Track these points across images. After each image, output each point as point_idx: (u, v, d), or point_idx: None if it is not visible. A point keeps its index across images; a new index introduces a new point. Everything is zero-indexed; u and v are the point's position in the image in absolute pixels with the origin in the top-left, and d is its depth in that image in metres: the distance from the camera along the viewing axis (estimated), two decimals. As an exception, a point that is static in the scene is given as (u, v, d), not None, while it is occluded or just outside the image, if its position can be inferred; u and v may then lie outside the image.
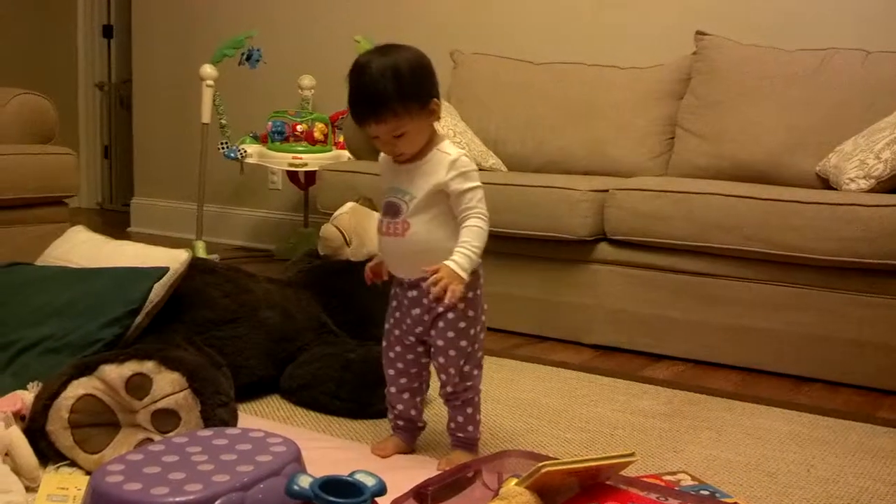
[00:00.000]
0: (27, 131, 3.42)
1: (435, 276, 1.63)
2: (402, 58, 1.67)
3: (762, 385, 2.59)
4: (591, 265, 2.97)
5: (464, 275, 1.64)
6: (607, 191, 2.95)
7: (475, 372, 1.78)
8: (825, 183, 2.96)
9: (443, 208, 1.70)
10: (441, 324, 1.74)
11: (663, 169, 3.40)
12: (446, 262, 1.64)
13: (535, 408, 2.26)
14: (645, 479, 1.61)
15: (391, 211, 1.72)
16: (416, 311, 1.75)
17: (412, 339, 1.79)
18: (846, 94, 3.10)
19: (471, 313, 1.74)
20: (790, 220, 2.60)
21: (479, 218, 1.68)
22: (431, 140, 1.72)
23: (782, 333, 2.67)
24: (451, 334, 1.73)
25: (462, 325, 1.73)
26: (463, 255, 1.65)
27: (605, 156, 3.48)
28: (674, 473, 1.77)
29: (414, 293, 1.75)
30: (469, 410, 1.79)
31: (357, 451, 1.87)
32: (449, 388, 1.77)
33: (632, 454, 1.44)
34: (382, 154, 1.79)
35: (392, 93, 1.63)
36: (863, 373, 2.57)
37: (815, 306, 2.62)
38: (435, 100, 1.70)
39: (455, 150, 1.72)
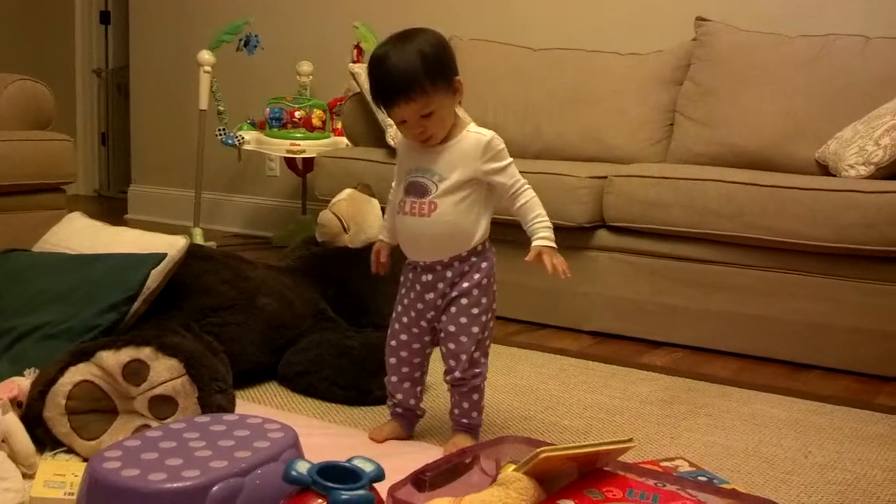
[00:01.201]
0: (24, 118, 3.40)
1: (546, 263, 1.69)
2: (424, 39, 1.68)
3: (760, 372, 2.59)
4: (590, 252, 2.97)
5: (555, 245, 1.71)
6: (606, 177, 2.94)
7: (483, 359, 1.78)
8: (824, 170, 2.95)
9: (471, 191, 1.71)
10: (453, 309, 1.74)
11: (662, 156, 3.39)
12: (540, 244, 1.71)
13: (534, 394, 2.26)
14: (643, 465, 1.61)
15: (417, 191, 1.72)
16: (430, 295, 1.75)
17: (423, 324, 1.79)
18: (846, 81, 3.09)
19: (484, 300, 1.75)
20: (789, 206, 2.60)
21: (530, 189, 1.74)
22: (456, 122, 1.73)
23: (781, 320, 2.66)
24: (463, 320, 1.73)
25: (475, 311, 1.74)
26: (546, 227, 1.74)
27: (604, 142, 3.47)
28: (671, 459, 1.77)
29: (429, 277, 1.75)
30: (475, 397, 1.79)
31: (355, 438, 1.87)
32: (458, 374, 1.76)
33: (630, 440, 1.44)
34: (401, 136, 1.78)
35: (420, 71, 1.64)
36: (861, 360, 2.57)
37: (814, 293, 2.61)
38: (458, 78, 1.71)
39: (487, 130, 1.74)
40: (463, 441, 1.78)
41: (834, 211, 2.53)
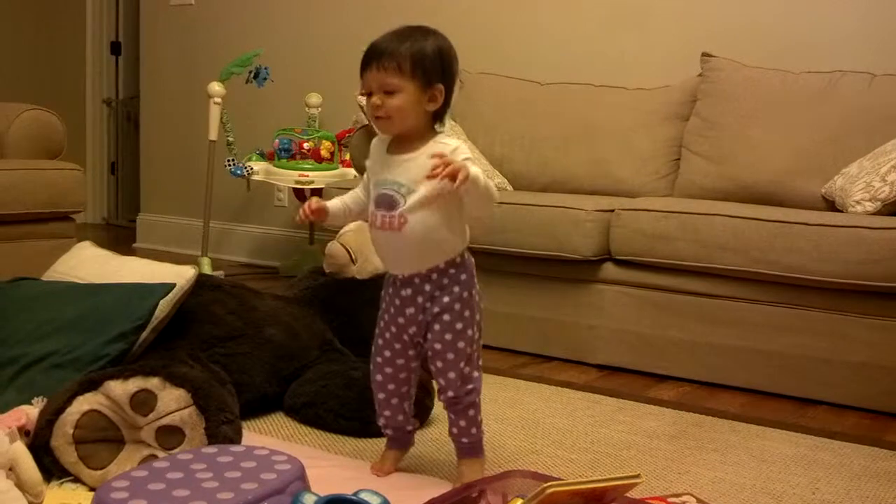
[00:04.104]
0: (35, 147, 3.43)
1: (444, 158, 1.59)
2: (431, 37, 1.69)
3: (767, 407, 2.58)
4: (597, 285, 2.97)
5: (472, 172, 1.60)
6: (613, 211, 2.95)
7: (475, 374, 1.76)
8: (831, 205, 2.96)
9: (441, 202, 1.68)
10: (437, 326, 1.72)
11: (668, 190, 3.41)
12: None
13: (540, 428, 2.25)
14: (650, 501, 1.61)
15: (385, 203, 1.70)
16: (411, 310, 1.74)
17: (406, 339, 1.77)
18: (852, 117, 3.10)
19: (467, 314, 1.73)
20: (796, 241, 2.60)
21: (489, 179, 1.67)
22: (426, 134, 1.71)
23: (788, 355, 2.66)
24: (448, 336, 1.72)
25: (459, 325, 1.72)
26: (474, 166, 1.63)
27: (610, 176, 3.48)
28: (679, 495, 1.76)
29: (408, 291, 1.74)
30: (472, 413, 1.77)
31: (361, 470, 1.86)
32: (451, 393, 1.75)
33: (637, 475, 1.43)
34: (375, 141, 1.78)
35: (405, 53, 1.65)
36: (869, 396, 2.56)
37: (821, 328, 2.61)
38: (439, 85, 1.68)
39: (454, 140, 1.72)
40: (470, 467, 1.77)
41: (840, 246, 2.53)
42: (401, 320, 1.76)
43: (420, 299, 1.73)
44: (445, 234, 1.71)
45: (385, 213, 1.70)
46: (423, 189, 1.67)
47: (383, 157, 1.74)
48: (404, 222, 1.68)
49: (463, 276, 1.74)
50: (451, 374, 1.74)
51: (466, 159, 1.65)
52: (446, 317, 1.72)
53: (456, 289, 1.72)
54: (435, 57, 1.68)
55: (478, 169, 1.64)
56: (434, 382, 1.82)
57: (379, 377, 1.82)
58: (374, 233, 1.75)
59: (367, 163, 1.79)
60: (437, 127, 1.74)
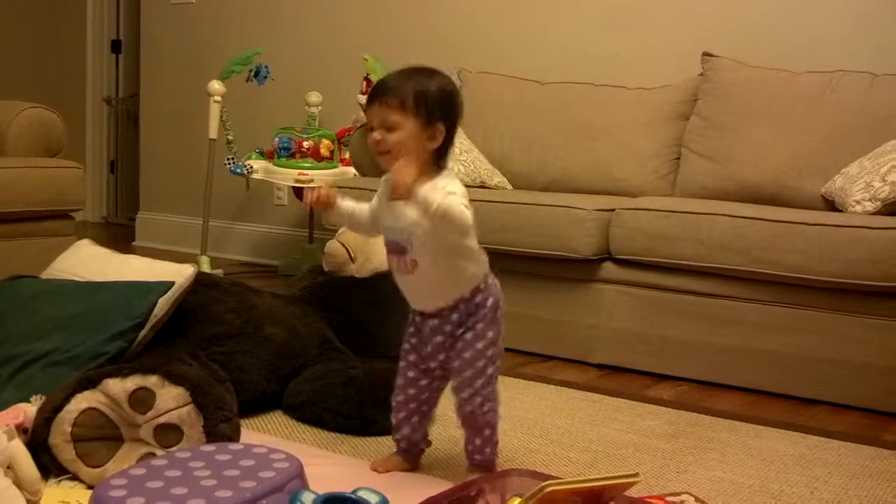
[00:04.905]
0: (35, 145, 3.43)
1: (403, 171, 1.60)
2: (436, 78, 1.71)
3: (767, 406, 2.58)
4: (597, 284, 2.97)
5: (423, 194, 1.59)
6: (613, 210, 2.95)
7: (494, 393, 1.76)
8: (831, 205, 2.96)
9: (446, 242, 1.68)
10: (459, 344, 1.73)
11: (668, 189, 3.41)
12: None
13: (539, 427, 2.25)
14: (649, 500, 1.60)
15: (395, 249, 1.72)
16: (439, 338, 1.75)
17: (432, 364, 1.78)
18: (853, 117, 3.10)
19: (490, 334, 1.73)
20: (796, 241, 2.60)
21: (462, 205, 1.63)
22: (430, 173, 1.68)
23: (787, 355, 2.66)
24: (468, 355, 1.73)
25: (480, 345, 1.73)
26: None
27: (610, 176, 3.48)
28: (678, 494, 1.76)
29: (435, 322, 1.75)
30: (487, 432, 1.77)
31: (360, 468, 1.86)
32: (468, 409, 1.75)
33: (636, 474, 1.43)
34: (383, 178, 1.76)
35: (409, 91, 1.66)
36: (868, 395, 2.56)
37: (821, 328, 2.61)
38: (440, 125, 1.68)
39: (449, 180, 1.68)
40: None
41: (841, 246, 2.53)
42: (428, 349, 1.77)
43: (448, 328, 1.74)
44: (460, 268, 1.71)
45: (398, 258, 1.72)
46: (420, 231, 1.67)
47: (386, 202, 1.74)
48: (415, 266, 1.70)
49: (489, 301, 1.74)
50: (470, 391, 1.74)
51: (450, 194, 1.61)
52: (468, 335, 1.73)
53: (482, 311, 1.73)
54: (437, 95, 1.69)
55: (448, 203, 1.59)
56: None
57: (401, 397, 1.83)
58: (395, 275, 1.77)
59: (374, 199, 1.79)
60: (440, 164, 1.71)
